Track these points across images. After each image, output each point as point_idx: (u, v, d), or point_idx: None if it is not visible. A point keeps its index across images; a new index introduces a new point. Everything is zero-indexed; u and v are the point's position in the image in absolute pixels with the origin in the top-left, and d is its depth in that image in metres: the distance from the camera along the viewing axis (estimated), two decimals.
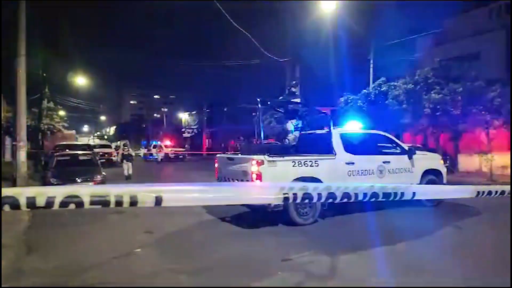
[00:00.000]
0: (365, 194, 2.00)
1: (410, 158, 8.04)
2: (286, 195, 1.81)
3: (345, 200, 1.97)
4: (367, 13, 19.92)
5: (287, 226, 6.33)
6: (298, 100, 8.55)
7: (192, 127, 49.65)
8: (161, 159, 29.38)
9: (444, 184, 8.35)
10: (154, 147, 33.10)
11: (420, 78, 15.10)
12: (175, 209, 6.86)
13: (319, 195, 1.88)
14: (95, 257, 4.75)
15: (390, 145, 8.31)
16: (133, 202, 1.62)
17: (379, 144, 8.31)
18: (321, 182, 6.29)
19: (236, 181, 6.61)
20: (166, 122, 58.94)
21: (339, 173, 6.99)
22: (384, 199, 2.05)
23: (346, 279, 3.96)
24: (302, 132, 8.52)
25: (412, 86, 14.89)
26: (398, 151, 8.15)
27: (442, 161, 8.94)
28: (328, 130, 7.44)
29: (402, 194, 2.15)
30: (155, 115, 79.17)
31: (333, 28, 18.69)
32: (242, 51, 24.74)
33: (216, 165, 7.67)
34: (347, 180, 6.99)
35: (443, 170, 8.65)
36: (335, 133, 7.37)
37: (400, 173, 7.85)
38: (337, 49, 20.46)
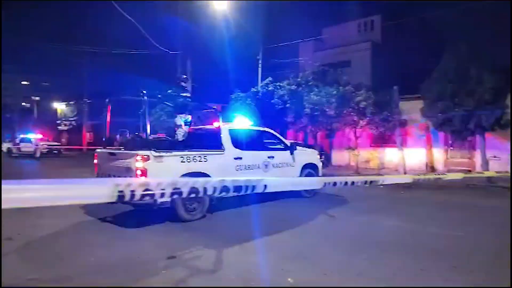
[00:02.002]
0: (214, 188, 2.00)
1: (291, 153, 8.69)
2: (121, 193, 1.66)
3: (193, 195, 1.95)
4: (257, 15, 20.78)
5: (174, 223, 6.19)
6: (188, 94, 8.38)
7: (70, 119, 44.61)
8: (37, 154, 25.64)
9: (319, 176, 9.28)
10: (22, 140, 28.70)
11: (302, 80, 16.46)
12: (45, 211, 6.07)
13: (162, 191, 1.79)
14: None
15: (274, 141, 8.84)
16: None
17: (265, 140, 8.77)
18: (210, 177, 6.33)
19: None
20: (38, 112, 51.58)
21: (228, 168, 7.13)
22: (235, 193, 2.10)
23: (231, 271, 4.05)
24: (192, 127, 8.43)
25: (295, 87, 16.12)
26: (281, 147, 8.73)
27: (318, 156, 9.90)
28: (217, 126, 7.51)
29: (254, 187, 2.20)
30: (23, 104, 68.44)
31: (225, 26, 19.01)
32: (130, 41, 23.25)
33: (95, 160, 7.04)
34: (235, 175, 7.18)
35: (319, 164, 9.60)
36: (224, 129, 7.50)
37: (283, 167, 8.42)
38: (229, 47, 20.89)
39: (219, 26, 19.12)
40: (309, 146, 13.84)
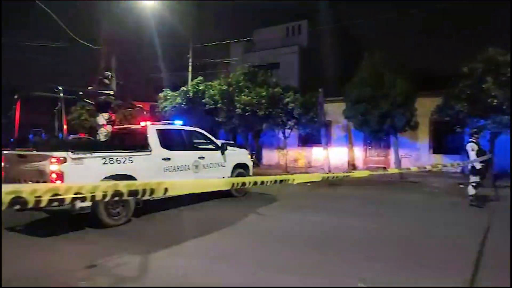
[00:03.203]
0: (104, 193, 1.87)
1: (222, 153, 8.68)
2: None
3: (78, 202, 1.82)
4: (187, 13, 20.37)
5: (95, 229, 5.78)
6: (111, 92, 7.90)
7: None
8: None
9: (250, 176, 9.41)
10: None
11: (233, 80, 16.50)
12: None
13: (38, 198, 1.59)
14: None
15: (205, 141, 8.74)
16: None
17: (195, 140, 8.63)
18: (136, 179, 6.04)
19: (30, 183, 5.58)
20: None
21: (155, 169, 6.87)
22: (131, 197, 1.99)
23: (157, 277, 3.90)
24: (116, 127, 7.98)
25: (226, 87, 16.11)
26: (212, 147, 8.66)
27: (249, 156, 10.02)
28: (144, 125, 7.20)
29: (152, 190, 2.10)
30: None
31: (154, 23, 18.33)
32: (48, 33, 21.20)
33: (2, 164, 6.28)
34: (163, 176, 6.95)
35: (250, 164, 9.73)
36: (151, 128, 7.21)
37: (214, 168, 8.37)
38: (158, 44, 20.17)
39: (147, 23, 18.40)
40: (240, 146, 13.95)
